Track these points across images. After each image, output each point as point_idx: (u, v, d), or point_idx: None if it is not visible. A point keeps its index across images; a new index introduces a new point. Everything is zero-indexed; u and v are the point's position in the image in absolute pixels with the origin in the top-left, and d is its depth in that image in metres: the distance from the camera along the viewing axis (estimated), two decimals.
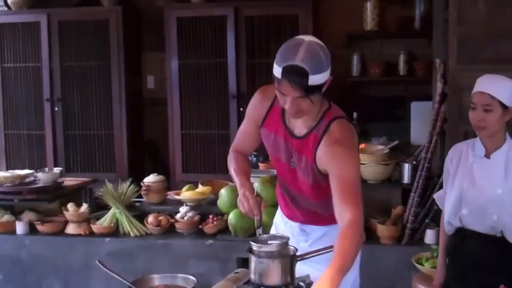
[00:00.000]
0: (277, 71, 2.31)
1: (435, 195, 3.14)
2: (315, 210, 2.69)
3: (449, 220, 2.92)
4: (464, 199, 2.83)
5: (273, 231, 2.90)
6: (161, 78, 6.56)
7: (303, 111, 2.39)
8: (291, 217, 2.81)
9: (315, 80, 2.28)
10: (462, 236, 2.88)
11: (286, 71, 2.27)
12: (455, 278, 2.91)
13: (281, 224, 2.89)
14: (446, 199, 2.94)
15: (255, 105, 2.69)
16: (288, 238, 2.38)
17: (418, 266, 3.81)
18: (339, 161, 2.38)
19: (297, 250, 2.33)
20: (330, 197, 2.39)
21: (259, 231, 2.46)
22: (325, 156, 2.43)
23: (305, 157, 2.52)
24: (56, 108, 6.38)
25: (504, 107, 2.72)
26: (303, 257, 2.35)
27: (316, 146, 2.47)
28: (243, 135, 2.79)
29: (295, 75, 2.26)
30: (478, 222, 2.81)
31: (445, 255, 3.02)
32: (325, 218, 2.65)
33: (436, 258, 3.73)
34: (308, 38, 2.38)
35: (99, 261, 2.41)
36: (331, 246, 2.39)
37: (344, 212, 2.29)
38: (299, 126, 2.54)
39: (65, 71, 6.36)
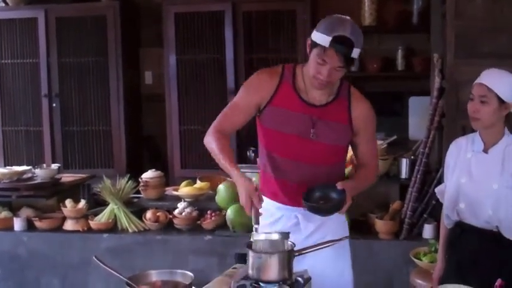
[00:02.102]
0: (323, 39, 2.51)
1: (436, 189, 3.15)
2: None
3: (447, 213, 2.94)
4: (461, 193, 2.84)
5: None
6: (159, 73, 6.55)
7: (333, 82, 2.65)
8: (291, 203, 2.77)
9: (355, 53, 2.53)
10: (460, 230, 2.90)
11: (335, 40, 2.49)
12: (452, 272, 2.92)
13: (273, 219, 2.83)
14: (446, 193, 2.95)
15: (259, 85, 2.74)
16: (288, 233, 2.39)
17: (416, 260, 3.81)
18: (372, 117, 2.81)
19: (294, 245, 2.34)
20: (343, 158, 2.86)
21: (256, 227, 2.45)
22: (361, 113, 2.76)
23: (336, 121, 2.71)
24: (54, 104, 6.36)
25: (501, 101, 2.72)
26: (301, 252, 2.36)
27: (349, 108, 2.73)
28: (231, 111, 2.78)
29: (344, 45, 2.50)
30: (474, 217, 2.82)
31: (444, 249, 3.03)
32: None
33: (434, 253, 3.75)
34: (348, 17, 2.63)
35: (96, 257, 2.41)
36: (328, 242, 2.44)
37: (369, 160, 2.84)
38: (317, 97, 2.71)
39: (63, 67, 6.35)
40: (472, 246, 2.84)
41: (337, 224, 2.83)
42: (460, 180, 2.85)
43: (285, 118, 2.70)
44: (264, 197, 2.78)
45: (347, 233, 2.88)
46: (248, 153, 5.24)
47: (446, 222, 2.99)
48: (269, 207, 2.82)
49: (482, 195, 2.78)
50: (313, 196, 2.63)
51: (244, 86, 2.80)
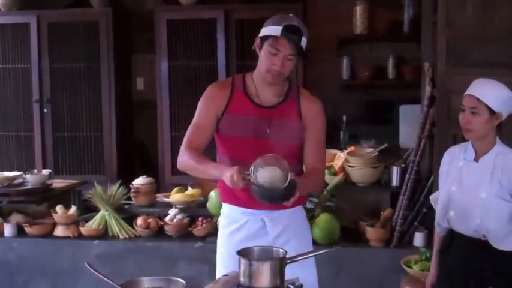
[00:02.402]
0: (274, 30, 2.66)
1: (431, 197, 3.18)
2: None
3: (438, 221, 2.96)
4: (451, 201, 2.86)
5: (226, 240, 2.89)
6: (151, 80, 6.55)
7: (284, 74, 2.73)
8: (255, 206, 2.74)
9: (304, 42, 2.69)
10: (450, 238, 2.92)
11: (286, 29, 2.64)
12: (444, 279, 2.94)
13: (239, 224, 2.85)
14: (438, 201, 2.97)
15: (212, 98, 2.85)
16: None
17: (407, 268, 3.82)
18: (320, 117, 2.85)
19: (286, 253, 2.34)
20: (300, 160, 2.85)
21: None
22: (310, 112, 2.82)
23: (288, 120, 2.79)
24: (45, 110, 6.35)
25: (492, 111, 2.74)
26: (292, 260, 2.36)
27: (299, 106, 2.82)
28: (197, 129, 2.85)
29: (294, 33, 2.65)
30: (463, 225, 2.84)
31: (437, 256, 3.04)
32: None
33: (425, 261, 3.76)
34: None
35: (88, 264, 2.40)
36: (314, 251, 2.47)
37: (318, 163, 2.83)
38: (268, 98, 2.81)
39: (55, 73, 6.34)
40: (461, 254, 2.86)
41: (302, 225, 2.93)
42: (451, 188, 2.87)
43: (241, 123, 2.78)
44: (227, 205, 2.90)
45: (310, 235, 2.99)
46: None
47: (438, 230, 3.01)
48: (233, 213, 2.88)
49: (471, 203, 2.80)
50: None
51: (200, 103, 2.88)
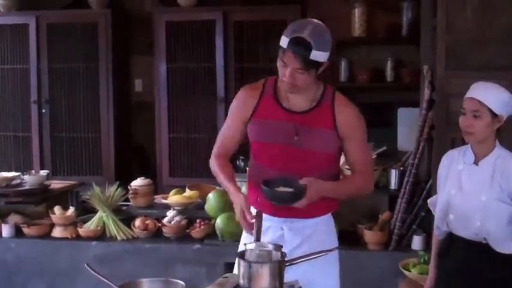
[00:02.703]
0: (284, 41, 2.54)
1: (429, 200, 3.16)
2: None
3: (437, 224, 2.96)
4: (451, 205, 2.86)
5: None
6: (149, 81, 6.54)
7: (298, 86, 2.60)
8: (277, 214, 2.73)
9: (316, 55, 2.52)
10: (450, 241, 2.92)
11: (292, 42, 2.51)
12: (442, 283, 2.94)
13: (262, 229, 2.76)
14: (437, 204, 2.97)
15: (242, 101, 2.79)
16: (281, 246, 2.39)
17: (405, 272, 3.82)
18: (359, 122, 2.74)
19: (285, 255, 2.34)
20: (333, 169, 2.79)
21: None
22: (346, 118, 2.69)
23: (319, 128, 2.67)
24: (43, 111, 6.35)
25: (493, 114, 2.74)
26: (292, 262, 2.36)
27: (333, 113, 2.68)
28: (228, 133, 2.83)
29: (300, 47, 2.50)
30: (463, 228, 2.83)
31: (436, 260, 3.04)
32: (319, 204, 2.66)
33: (424, 264, 3.76)
34: (316, 20, 2.64)
35: (87, 265, 2.39)
36: (318, 252, 2.44)
37: (362, 166, 2.76)
38: (299, 103, 2.70)
39: (53, 73, 6.34)
40: (461, 257, 2.85)
41: (325, 236, 2.80)
42: (451, 192, 2.87)
43: (268, 128, 2.71)
44: (252, 209, 2.78)
45: (336, 243, 2.86)
46: (238, 162, 5.24)
47: (437, 234, 3.00)
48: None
49: (471, 206, 2.79)
50: (274, 185, 2.60)
51: (231, 107, 2.85)
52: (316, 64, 2.55)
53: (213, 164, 2.81)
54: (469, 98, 2.79)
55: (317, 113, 2.69)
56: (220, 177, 2.75)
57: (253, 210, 2.75)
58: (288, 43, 2.52)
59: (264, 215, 2.72)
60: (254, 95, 2.76)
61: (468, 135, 2.80)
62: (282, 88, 2.70)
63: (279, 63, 2.60)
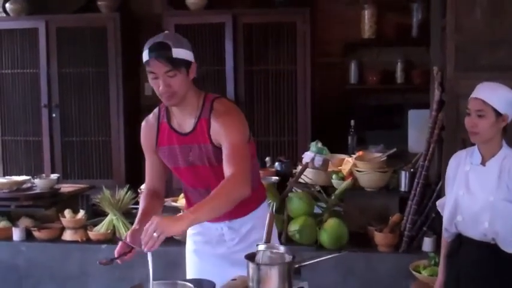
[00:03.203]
0: (144, 55, 2.57)
1: (437, 202, 3.16)
2: None
3: (445, 226, 2.95)
4: (459, 206, 2.86)
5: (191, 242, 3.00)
6: None
7: (176, 92, 2.58)
8: (214, 220, 2.80)
9: (178, 52, 2.55)
10: (458, 242, 2.91)
11: (151, 49, 2.54)
12: (452, 285, 2.93)
13: (203, 237, 2.94)
14: (445, 206, 2.96)
15: (145, 135, 2.88)
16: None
17: (415, 273, 3.80)
18: (227, 129, 2.62)
19: (294, 257, 2.33)
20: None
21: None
22: (216, 130, 2.65)
23: (201, 144, 2.69)
24: (54, 115, 6.37)
25: (498, 113, 2.74)
26: (300, 264, 2.35)
27: (208, 127, 2.67)
28: (151, 168, 2.89)
29: (160, 49, 2.52)
30: (471, 229, 2.83)
31: (445, 262, 3.03)
32: (241, 204, 2.63)
33: (434, 266, 3.75)
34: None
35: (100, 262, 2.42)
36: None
37: (227, 169, 2.55)
38: (186, 123, 2.73)
39: (63, 78, 6.36)
40: (470, 258, 2.85)
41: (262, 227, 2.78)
42: (458, 193, 2.87)
43: (170, 153, 2.77)
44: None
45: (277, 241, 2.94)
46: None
47: (445, 235, 3.00)
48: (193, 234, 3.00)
49: (478, 207, 2.79)
50: None
51: (142, 147, 2.93)
52: (184, 63, 2.58)
53: (142, 196, 2.89)
54: (473, 98, 2.80)
55: (198, 130, 2.70)
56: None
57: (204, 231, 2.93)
58: (148, 52, 2.55)
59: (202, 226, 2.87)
60: (152, 126, 2.83)
61: (473, 135, 2.80)
62: (167, 106, 2.75)
63: (150, 81, 2.60)
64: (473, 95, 2.81)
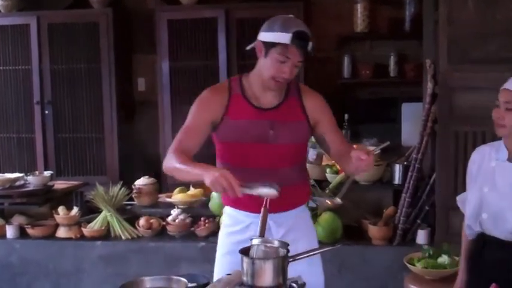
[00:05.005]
0: (283, 37, 2.54)
1: (458, 197, 2.99)
2: (288, 184, 2.62)
3: (469, 224, 2.80)
4: (484, 203, 2.70)
5: (229, 239, 2.83)
6: (152, 80, 6.54)
7: (290, 79, 2.65)
8: (258, 210, 2.57)
9: (311, 47, 2.59)
10: (482, 242, 2.76)
11: (296, 36, 2.54)
12: (476, 285, 2.79)
13: (244, 225, 2.78)
14: (468, 202, 2.81)
15: (208, 103, 2.73)
16: (285, 243, 2.37)
17: (409, 266, 3.80)
18: (327, 108, 2.79)
19: (288, 251, 2.33)
20: (303, 158, 2.88)
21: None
22: (315, 106, 2.76)
23: (292, 120, 2.71)
24: (46, 111, 6.35)
25: None
26: (294, 258, 2.35)
27: (302, 104, 2.74)
28: (188, 132, 2.70)
29: (303, 39, 2.56)
30: (497, 228, 2.67)
31: (466, 261, 2.90)
32: (296, 194, 2.71)
33: (428, 258, 3.75)
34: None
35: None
36: (318, 248, 2.44)
37: (349, 147, 2.70)
38: (268, 99, 2.72)
39: (55, 74, 6.34)
40: (496, 258, 2.69)
41: (305, 226, 2.88)
42: (483, 190, 2.71)
43: (242, 128, 2.68)
44: (230, 208, 2.83)
45: (315, 235, 2.95)
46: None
47: (467, 233, 2.84)
48: (236, 214, 2.81)
49: (505, 205, 2.63)
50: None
51: (193, 107, 2.75)
52: (309, 55, 2.63)
53: (170, 159, 2.57)
54: (503, 89, 2.63)
55: (287, 107, 2.73)
56: (184, 167, 2.49)
57: (230, 209, 2.83)
58: (292, 38, 2.53)
59: (245, 212, 2.76)
60: (222, 95, 2.72)
61: (500, 128, 2.64)
62: (268, 87, 2.68)
63: (274, 60, 2.59)
64: (505, 86, 2.63)
